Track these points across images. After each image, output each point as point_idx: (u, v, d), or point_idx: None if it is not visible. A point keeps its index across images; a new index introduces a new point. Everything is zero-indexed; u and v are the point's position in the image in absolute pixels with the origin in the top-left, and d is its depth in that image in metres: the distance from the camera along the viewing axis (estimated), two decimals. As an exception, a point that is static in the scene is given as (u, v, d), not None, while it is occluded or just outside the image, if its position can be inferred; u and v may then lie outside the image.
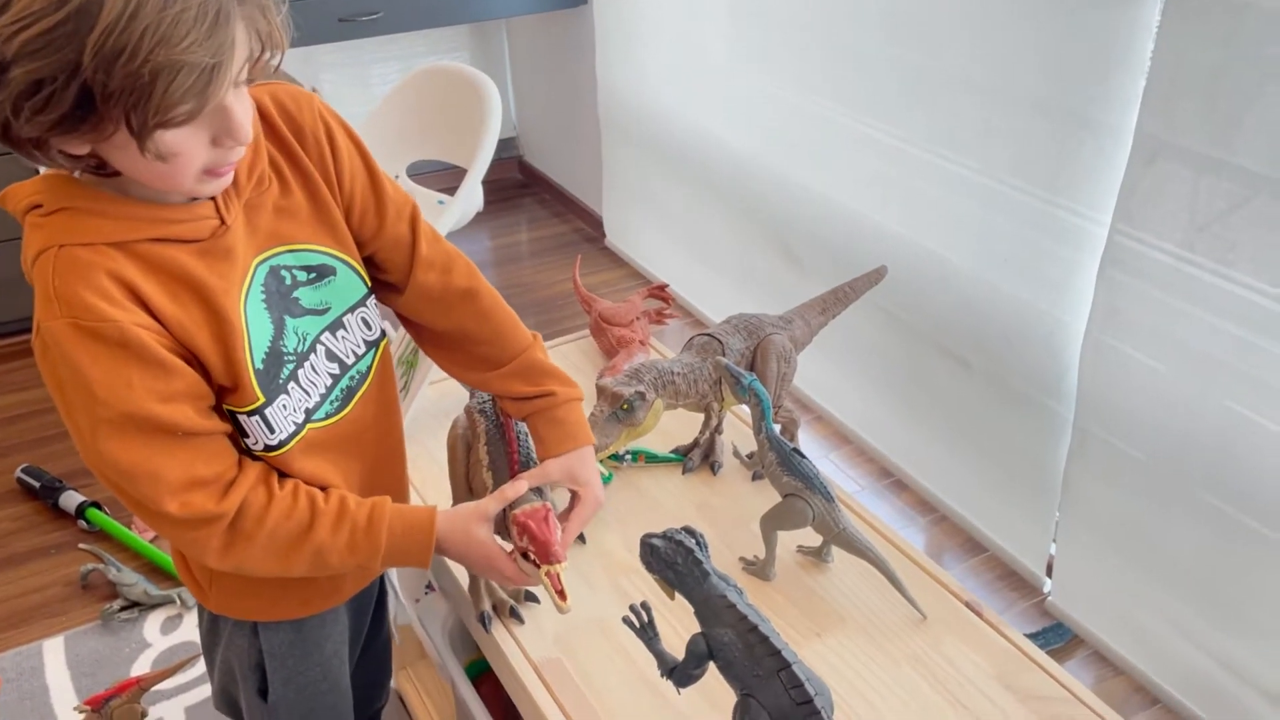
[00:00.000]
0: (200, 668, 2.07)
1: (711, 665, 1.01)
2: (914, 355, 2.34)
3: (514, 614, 1.30)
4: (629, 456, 1.54)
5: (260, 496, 1.02)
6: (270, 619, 1.20)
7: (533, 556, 1.10)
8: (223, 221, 0.97)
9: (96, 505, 2.46)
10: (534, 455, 1.22)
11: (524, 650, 1.26)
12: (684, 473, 1.54)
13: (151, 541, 2.40)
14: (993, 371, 2.15)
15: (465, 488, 1.27)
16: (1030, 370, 2.05)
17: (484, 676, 1.52)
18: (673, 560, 1.04)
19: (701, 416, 1.51)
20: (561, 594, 1.10)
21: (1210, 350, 1.67)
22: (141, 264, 0.92)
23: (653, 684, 1.20)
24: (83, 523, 2.46)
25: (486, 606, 1.31)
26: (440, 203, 3.28)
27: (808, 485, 1.29)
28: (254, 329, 1.00)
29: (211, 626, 1.25)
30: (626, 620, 1.09)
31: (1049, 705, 1.16)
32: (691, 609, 1.03)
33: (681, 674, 1.04)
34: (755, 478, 1.51)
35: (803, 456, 1.30)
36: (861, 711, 1.16)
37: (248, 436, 1.03)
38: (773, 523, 1.32)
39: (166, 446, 0.94)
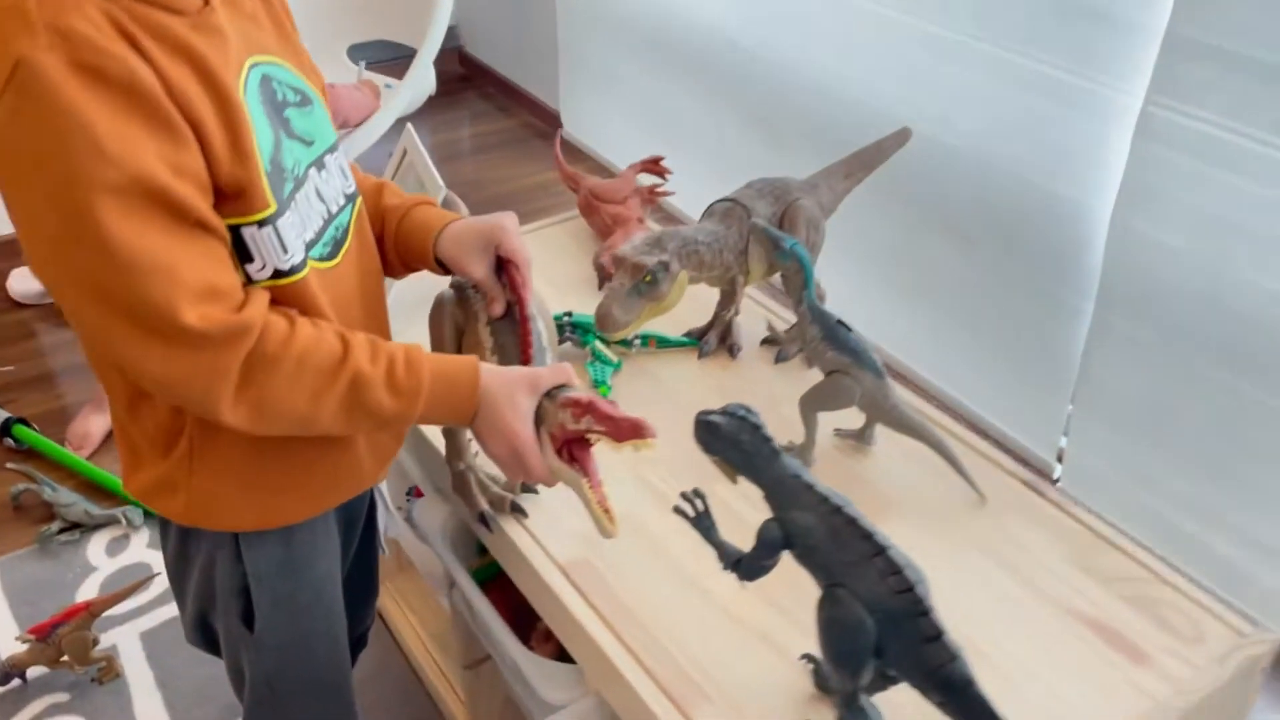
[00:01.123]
0: (155, 589, 1.90)
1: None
2: (917, 240, 2.22)
3: (516, 509, 1.16)
4: (638, 341, 1.40)
5: (280, 322, 0.87)
6: (257, 527, 1.04)
7: (590, 441, 0.95)
8: (207, 2, 0.83)
9: (23, 421, 2.25)
10: (545, 339, 1.07)
11: (547, 550, 1.12)
12: (700, 357, 1.40)
13: (89, 459, 2.20)
14: (1003, 258, 2.03)
15: None
16: (1046, 255, 1.94)
17: (484, 587, 1.38)
18: (736, 438, 0.90)
19: (714, 298, 1.37)
20: (609, 512, 0.96)
21: (1254, 225, 1.57)
22: (133, 20, 0.74)
23: (696, 581, 1.08)
24: (9, 440, 2.24)
25: (484, 504, 1.16)
26: (388, 86, 3.04)
27: (856, 360, 1.16)
28: (258, 128, 0.84)
29: (181, 548, 1.08)
30: (679, 510, 0.96)
31: (1133, 586, 1.06)
32: (758, 493, 0.90)
33: (750, 565, 0.91)
34: (780, 359, 1.38)
35: (849, 329, 1.17)
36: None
37: (251, 261, 0.87)
38: (815, 403, 1.19)
39: (181, 236, 0.76)
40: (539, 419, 0.97)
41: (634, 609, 1.05)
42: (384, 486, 1.41)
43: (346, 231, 1.02)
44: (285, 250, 0.88)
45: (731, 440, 0.91)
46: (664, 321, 1.38)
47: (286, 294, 0.90)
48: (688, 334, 1.42)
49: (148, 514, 2.07)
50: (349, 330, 0.93)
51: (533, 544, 1.14)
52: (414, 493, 1.72)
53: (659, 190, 1.66)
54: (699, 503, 0.96)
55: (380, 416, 0.93)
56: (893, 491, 1.18)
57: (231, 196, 0.82)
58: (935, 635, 0.81)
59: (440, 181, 1.49)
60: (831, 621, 0.85)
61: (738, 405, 0.93)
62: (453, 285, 1.14)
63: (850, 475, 1.20)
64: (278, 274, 0.89)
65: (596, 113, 3.31)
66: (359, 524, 1.23)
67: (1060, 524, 1.15)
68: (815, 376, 1.20)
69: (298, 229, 0.91)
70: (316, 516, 1.07)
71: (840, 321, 1.17)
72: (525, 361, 1.04)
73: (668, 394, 1.35)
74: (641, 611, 1.05)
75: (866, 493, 1.18)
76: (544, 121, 3.67)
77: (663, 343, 1.41)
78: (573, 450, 0.97)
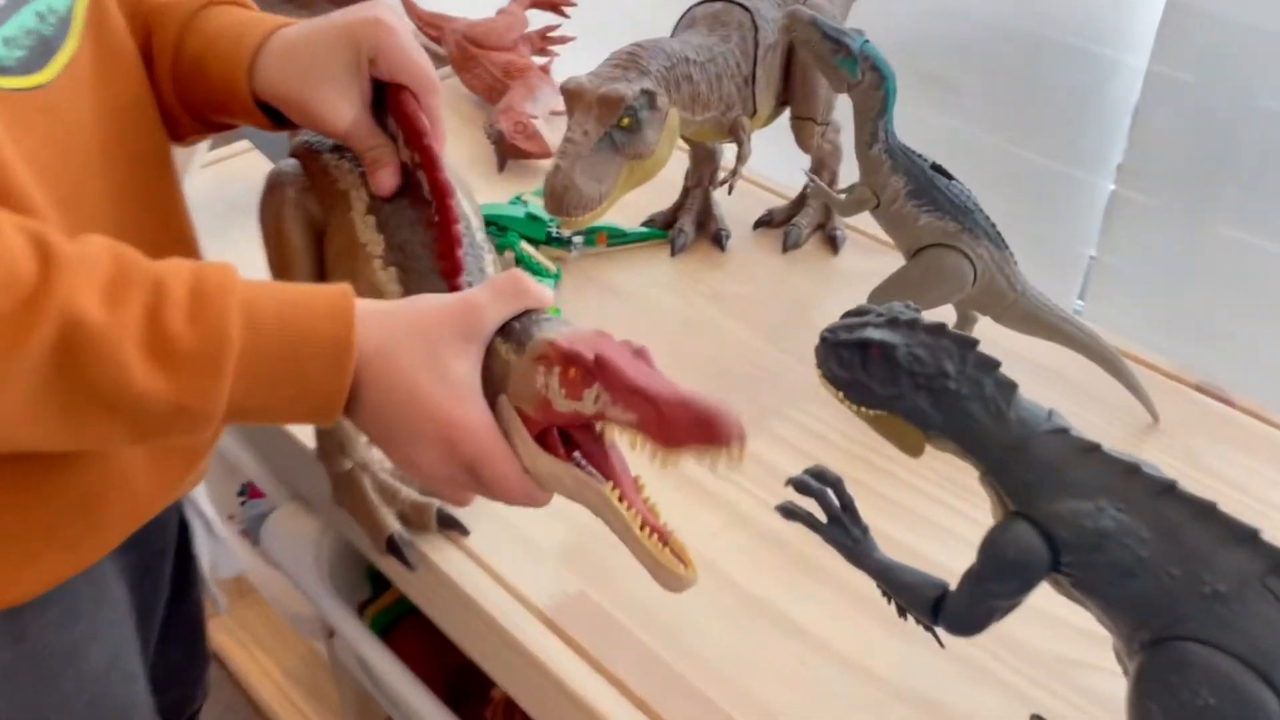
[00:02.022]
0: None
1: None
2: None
3: (449, 522, 0.70)
4: (580, 239, 0.93)
5: None
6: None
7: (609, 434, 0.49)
8: None
9: None
10: (480, 235, 0.60)
11: (509, 586, 0.67)
12: (673, 253, 0.95)
13: None
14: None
15: None
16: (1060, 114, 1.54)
17: (395, 626, 0.91)
18: (935, 370, 0.47)
19: (675, 170, 0.91)
20: (670, 545, 0.50)
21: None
22: None
23: (782, 617, 0.65)
24: None
25: (393, 523, 0.70)
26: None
27: (967, 224, 0.74)
28: None
29: None
30: (788, 510, 0.52)
31: None
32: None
33: (973, 607, 0.48)
34: (790, 244, 0.95)
35: (949, 176, 0.75)
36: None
37: None
38: (905, 292, 0.76)
39: None
40: (494, 382, 0.51)
41: (678, 667, 0.62)
42: (201, 494, 0.89)
43: (66, 25, 0.52)
44: None
45: (923, 377, 0.47)
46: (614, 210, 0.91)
47: None
48: (648, 223, 0.97)
49: None
50: (57, 233, 0.44)
51: (483, 577, 0.68)
52: (249, 491, 1.21)
53: (555, 35, 1.18)
54: (834, 495, 0.52)
55: (131, 414, 0.45)
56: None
57: None
58: None
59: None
60: (1186, 709, 0.43)
61: (902, 306, 0.49)
62: (295, 152, 0.64)
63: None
64: None
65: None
66: (161, 567, 0.73)
67: (1260, 437, 0.78)
68: (870, 261, 0.78)
69: None
70: (70, 580, 0.57)
71: (936, 166, 0.75)
72: (450, 275, 0.57)
73: (636, 311, 0.90)
74: (695, 673, 0.62)
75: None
76: None
77: (616, 237, 0.95)
78: (575, 440, 0.51)
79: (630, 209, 0.96)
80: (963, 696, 0.62)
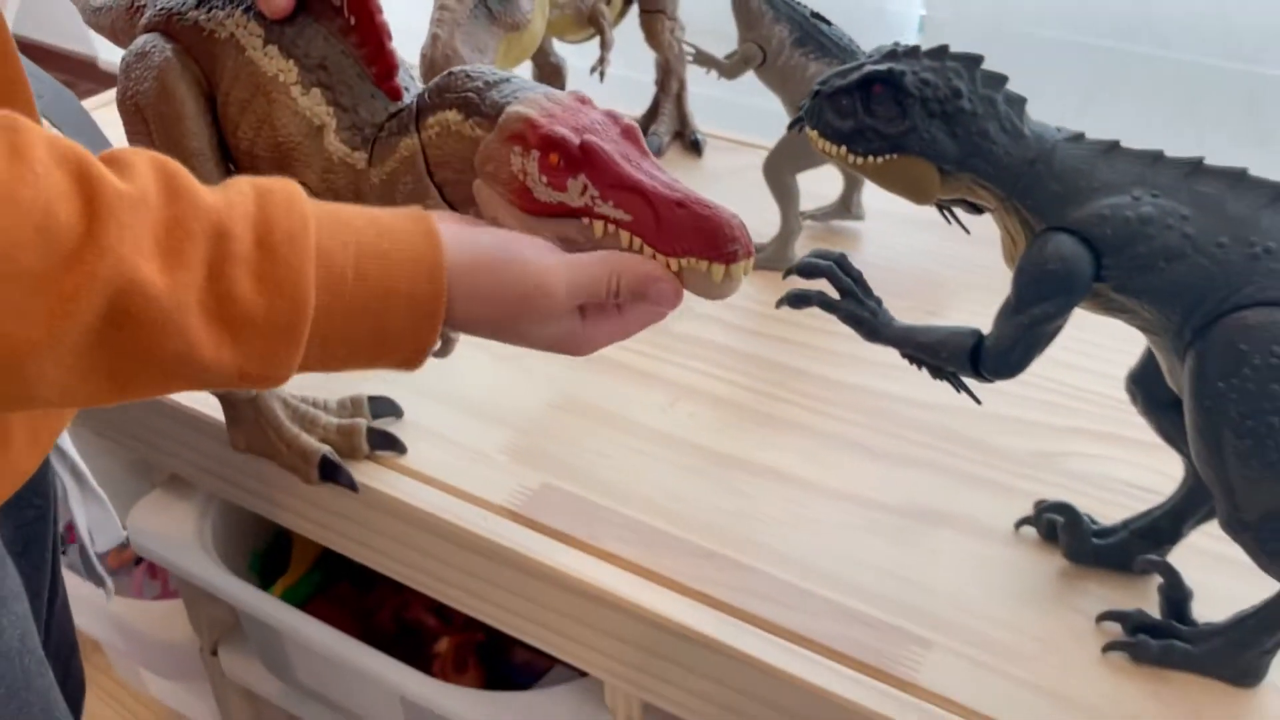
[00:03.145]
0: None
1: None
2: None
3: (383, 441, 0.62)
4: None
5: None
6: None
7: (600, 221, 0.44)
8: None
9: None
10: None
11: (472, 496, 0.60)
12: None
13: None
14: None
15: (220, 173, 0.54)
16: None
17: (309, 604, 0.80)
18: (947, 91, 0.45)
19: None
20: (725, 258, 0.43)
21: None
22: None
23: (744, 462, 0.62)
24: None
25: (322, 446, 0.61)
26: None
27: (855, 69, 0.74)
28: None
29: None
30: (799, 296, 0.50)
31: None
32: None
33: (1015, 337, 0.46)
34: (654, 153, 0.92)
35: (828, 23, 0.74)
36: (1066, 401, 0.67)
37: None
38: (791, 161, 0.75)
39: None
40: (457, 167, 0.47)
41: (668, 530, 0.57)
42: (67, 441, 0.72)
43: None
44: None
45: (935, 103, 0.45)
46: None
47: None
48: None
49: None
50: (96, 161, 0.35)
51: (434, 493, 0.61)
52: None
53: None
54: (839, 270, 0.49)
55: (192, 380, 0.37)
56: (938, 270, 0.78)
57: None
58: None
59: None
60: (1260, 372, 0.42)
61: (890, 44, 0.47)
62: (152, 25, 0.55)
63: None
64: None
65: None
66: (44, 536, 0.60)
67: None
68: (735, 159, 0.79)
69: None
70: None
71: (816, 13, 0.74)
72: (384, 78, 0.50)
73: (514, 232, 0.84)
74: (686, 531, 0.57)
75: (902, 280, 0.77)
76: None
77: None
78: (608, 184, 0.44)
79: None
80: (963, 502, 0.60)
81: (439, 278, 0.39)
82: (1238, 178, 0.43)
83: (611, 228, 0.43)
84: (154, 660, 0.92)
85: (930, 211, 0.52)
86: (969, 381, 0.49)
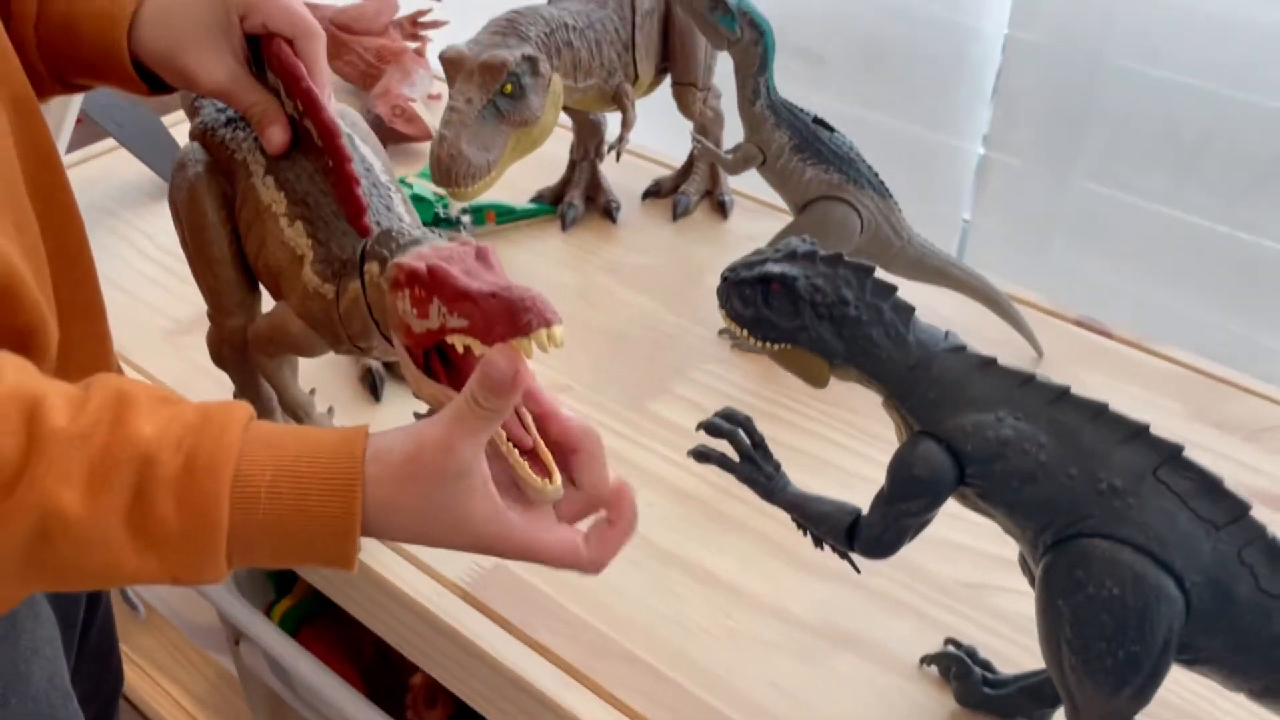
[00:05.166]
0: None
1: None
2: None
3: None
4: (468, 219, 0.92)
5: None
6: None
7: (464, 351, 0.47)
8: None
9: None
10: (386, 176, 0.59)
11: (427, 568, 0.66)
12: (564, 228, 0.95)
13: None
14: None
15: (240, 279, 0.62)
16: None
17: (304, 626, 0.88)
18: (835, 298, 0.48)
19: (558, 147, 0.91)
20: (536, 458, 0.48)
21: None
22: None
23: (685, 562, 0.66)
24: None
25: None
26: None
27: (851, 176, 0.76)
28: None
29: None
30: (701, 453, 0.53)
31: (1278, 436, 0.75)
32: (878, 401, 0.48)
33: (885, 527, 0.49)
34: (680, 212, 0.96)
35: (831, 129, 0.76)
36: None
37: None
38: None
39: None
40: (378, 318, 0.52)
41: (603, 630, 0.62)
42: None
43: None
44: None
45: (824, 307, 0.48)
46: (499, 187, 0.91)
47: None
48: (536, 199, 0.97)
49: None
50: (55, 394, 0.42)
51: (395, 559, 0.67)
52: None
53: (426, 20, 1.16)
54: (745, 431, 0.53)
55: (125, 582, 0.45)
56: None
57: None
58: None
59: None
60: (1092, 601, 0.45)
61: (799, 240, 0.50)
62: (194, 135, 0.62)
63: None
64: None
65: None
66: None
67: (1150, 370, 0.81)
68: (758, 224, 0.79)
69: None
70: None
71: (818, 119, 0.76)
72: (354, 218, 0.56)
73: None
74: (620, 634, 0.62)
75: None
76: None
77: (505, 214, 0.95)
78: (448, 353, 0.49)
79: (516, 187, 0.95)
80: (879, 627, 0.63)
81: (351, 496, 0.43)
82: (1098, 411, 0.45)
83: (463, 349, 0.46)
84: (193, 634, 1.03)
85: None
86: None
